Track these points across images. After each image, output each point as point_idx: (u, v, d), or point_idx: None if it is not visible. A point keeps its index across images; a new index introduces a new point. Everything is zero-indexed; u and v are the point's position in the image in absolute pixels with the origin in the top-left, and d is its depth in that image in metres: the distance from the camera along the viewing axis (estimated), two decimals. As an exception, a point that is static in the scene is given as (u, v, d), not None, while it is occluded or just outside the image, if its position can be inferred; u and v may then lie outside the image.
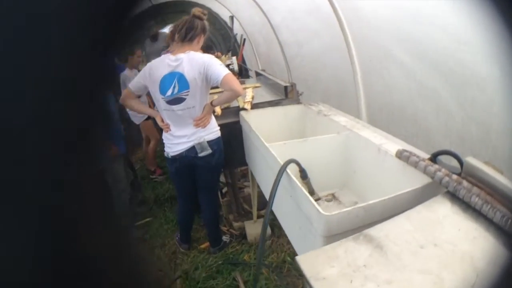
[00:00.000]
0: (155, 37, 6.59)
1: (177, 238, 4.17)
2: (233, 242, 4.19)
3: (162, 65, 3.18)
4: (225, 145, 3.62)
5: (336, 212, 1.79)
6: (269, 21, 5.28)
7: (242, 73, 6.08)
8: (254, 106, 3.88)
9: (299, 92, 4.10)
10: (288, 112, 3.84)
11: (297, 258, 1.52)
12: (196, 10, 3.20)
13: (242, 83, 5.03)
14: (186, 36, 3.18)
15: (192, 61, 3.12)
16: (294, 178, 2.20)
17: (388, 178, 2.42)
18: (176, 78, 3.14)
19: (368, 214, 1.86)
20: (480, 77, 2.38)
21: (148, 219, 4.75)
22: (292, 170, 2.38)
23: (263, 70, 5.17)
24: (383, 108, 3.54)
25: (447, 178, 1.84)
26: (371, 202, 1.87)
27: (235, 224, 4.39)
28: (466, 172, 1.83)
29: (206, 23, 3.27)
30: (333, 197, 2.94)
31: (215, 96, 3.40)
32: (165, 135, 3.43)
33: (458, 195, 1.74)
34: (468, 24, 2.20)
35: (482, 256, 1.43)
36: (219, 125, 3.56)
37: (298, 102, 3.98)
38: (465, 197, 1.70)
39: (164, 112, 3.29)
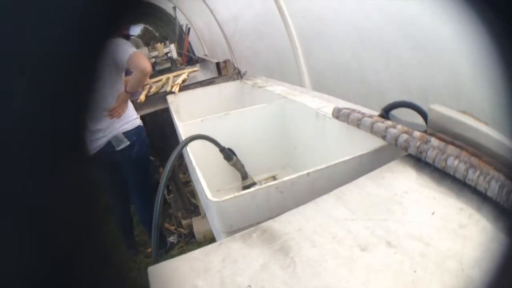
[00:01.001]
0: None
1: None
2: (181, 242, 3.55)
3: None
4: (157, 135, 3.26)
5: (231, 195, 1.10)
6: (204, 1, 4.67)
7: (191, 62, 5.46)
8: (184, 88, 3.32)
9: (241, 72, 3.50)
10: (222, 90, 3.22)
11: (149, 269, 0.84)
12: None
13: (182, 69, 4.41)
14: None
15: None
16: (192, 158, 1.52)
17: (333, 149, 1.78)
18: None
19: (286, 196, 1.17)
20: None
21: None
22: (212, 152, 1.90)
23: (205, 55, 4.57)
24: (326, 73, 2.97)
25: (405, 136, 1.16)
26: (287, 178, 1.19)
27: (184, 222, 3.76)
28: (433, 126, 1.16)
29: None
30: (274, 180, 2.23)
31: None
32: None
33: (425, 158, 1.06)
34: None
35: (476, 258, 0.75)
36: (146, 114, 3.22)
37: (234, 79, 3.35)
38: (438, 161, 1.02)
39: None
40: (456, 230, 0.85)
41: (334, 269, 0.78)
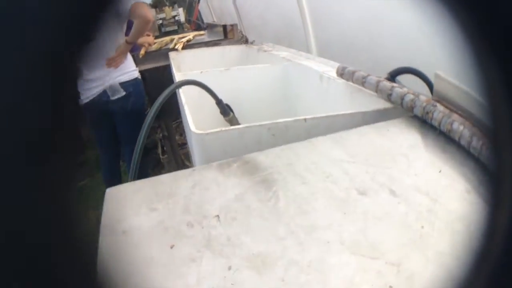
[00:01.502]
0: None
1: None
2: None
3: None
4: (157, 92, 2.88)
5: (217, 129, 0.93)
6: None
7: (199, 29, 5.24)
8: (188, 46, 3.14)
9: (249, 41, 3.28)
10: (226, 52, 3.04)
11: (107, 191, 0.69)
12: None
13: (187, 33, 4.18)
14: None
15: None
16: (183, 96, 1.37)
17: (336, 112, 1.57)
18: None
19: (278, 140, 1.01)
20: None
21: (85, 181, 3.86)
22: (208, 105, 1.73)
23: (214, 21, 4.42)
24: (334, 44, 2.82)
25: (411, 96, 1.01)
26: (281, 120, 1.02)
27: (176, 185, 3.54)
28: (438, 94, 1.00)
29: None
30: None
31: None
32: (78, 83, 2.69)
33: (430, 120, 0.92)
34: None
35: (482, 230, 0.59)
36: (147, 70, 3.03)
37: (240, 43, 3.14)
38: (443, 124, 0.86)
39: None
40: (463, 194, 0.70)
41: (325, 209, 0.62)
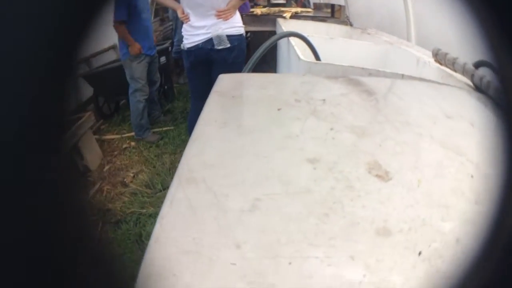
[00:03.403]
0: None
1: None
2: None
3: None
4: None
5: (323, 62, 1.01)
6: None
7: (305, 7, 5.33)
8: (295, 17, 3.21)
9: (351, 22, 3.29)
10: (331, 29, 3.10)
11: (220, 75, 0.78)
12: None
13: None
14: None
15: None
16: (294, 44, 1.45)
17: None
18: None
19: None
20: None
21: (168, 128, 4.06)
22: None
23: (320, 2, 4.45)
24: (432, 36, 2.73)
25: (487, 79, 1.07)
26: (381, 69, 1.09)
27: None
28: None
29: None
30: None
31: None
32: (184, 27, 2.92)
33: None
34: None
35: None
36: (251, 31, 3.16)
37: (345, 24, 3.17)
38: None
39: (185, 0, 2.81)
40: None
41: (417, 117, 0.69)
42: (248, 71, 1.30)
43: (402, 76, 1.13)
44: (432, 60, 1.62)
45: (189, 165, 0.47)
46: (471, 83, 1.16)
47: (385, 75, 1.10)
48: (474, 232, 0.40)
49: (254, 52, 2.95)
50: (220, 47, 2.79)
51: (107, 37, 5.03)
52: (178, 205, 0.40)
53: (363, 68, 1.08)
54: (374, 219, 0.40)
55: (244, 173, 0.46)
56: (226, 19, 2.75)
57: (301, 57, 1.06)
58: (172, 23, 5.43)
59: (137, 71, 3.66)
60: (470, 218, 0.43)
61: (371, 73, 1.09)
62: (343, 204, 0.41)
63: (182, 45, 2.95)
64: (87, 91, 4.19)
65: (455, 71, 1.32)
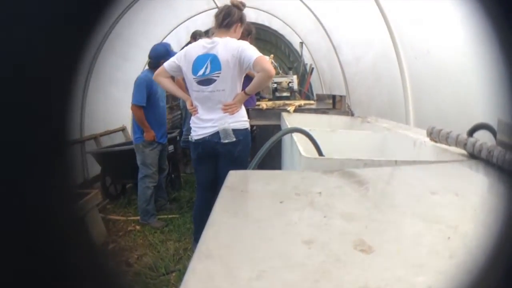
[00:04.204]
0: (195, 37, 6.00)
1: (193, 237, 3.53)
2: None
3: (197, 47, 2.97)
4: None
5: (323, 157, 1.15)
6: (331, 41, 4.99)
7: (308, 99, 5.57)
8: (298, 110, 3.42)
9: (354, 114, 3.49)
10: (333, 121, 3.27)
11: (230, 172, 0.90)
12: (234, 0, 3.04)
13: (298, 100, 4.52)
14: (222, 22, 2.98)
15: (227, 45, 2.89)
16: (297, 140, 1.59)
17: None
18: (209, 59, 2.89)
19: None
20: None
21: (174, 216, 4.21)
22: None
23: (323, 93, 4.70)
24: (430, 114, 3.06)
25: (479, 142, 1.23)
26: (375, 159, 1.22)
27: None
28: (500, 135, 1.16)
29: (244, 13, 3.08)
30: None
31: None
32: (192, 119, 3.09)
33: (492, 159, 1.07)
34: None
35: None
36: (260, 125, 3.33)
37: (346, 114, 3.36)
38: (498, 160, 1.02)
39: (194, 93, 2.99)
40: None
41: (402, 199, 0.82)
42: (254, 166, 1.43)
43: (396, 162, 1.24)
44: (427, 139, 1.76)
45: (207, 245, 0.58)
46: (465, 152, 1.28)
47: (379, 163, 1.22)
48: (447, 281, 0.51)
49: (260, 144, 3.10)
50: (226, 141, 2.91)
51: (117, 118, 5.27)
52: (199, 273, 0.51)
53: (358, 160, 1.20)
54: (357, 281, 0.50)
55: (252, 251, 0.58)
56: (232, 113, 2.91)
57: (302, 153, 1.19)
58: (182, 112, 5.65)
59: (149, 158, 3.84)
60: (443, 270, 0.54)
61: (366, 163, 1.21)
62: (331, 273, 0.52)
63: (190, 136, 3.08)
64: (95, 168, 4.35)
65: (449, 145, 1.45)
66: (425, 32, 2.95)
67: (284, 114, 3.23)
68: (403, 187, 0.88)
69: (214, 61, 2.86)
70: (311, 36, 6.36)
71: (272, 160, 3.24)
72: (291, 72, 5.68)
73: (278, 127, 3.27)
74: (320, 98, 4.50)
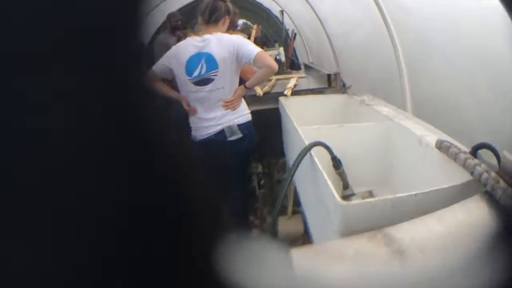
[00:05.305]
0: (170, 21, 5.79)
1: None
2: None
3: (188, 46, 2.97)
4: (263, 132, 3.32)
5: (357, 201, 1.31)
6: (316, 14, 5.00)
7: (293, 66, 5.73)
8: (295, 93, 3.52)
9: (347, 85, 3.65)
10: (330, 101, 3.41)
11: (292, 251, 1.06)
12: None
13: (288, 73, 4.74)
14: (210, 18, 2.97)
15: (221, 41, 2.91)
16: (318, 161, 1.74)
17: (428, 173, 1.92)
18: (204, 59, 2.91)
19: (396, 210, 1.37)
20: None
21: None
22: (322, 158, 1.97)
23: (312, 63, 4.77)
24: (427, 101, 3.14)
25: (486, 175, 1.34)
26: (400, 195, 1.39)
27: (269, 219, 3.90)
28: (502, 169, 1.34)
29: (229, 4, 3.08)
30: (370, 195, 2.40)
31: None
32: (191, 119, 3.12)
33: (495, 196, 1.23)
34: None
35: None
36: (257, 110, 3.32)
37: (342, 92, 3.53)
38: (501, 199, 1.20)
39: (191, 94, 3.01)
40: None
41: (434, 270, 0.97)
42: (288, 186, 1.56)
43: (415, 195, 1.41)
44: (431, 138, 1.93)
45: None
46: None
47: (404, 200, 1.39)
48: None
49: (259, 130, 3.19)
50: (232, 138, 3.01)
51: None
52: None
53: (389, 199, 1.36)
54: None
55: None
56: (233, 109, 3.01)
57: (337, 198, 1.34)
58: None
59: None
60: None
61: (393, 203, 1.38)
62: None
63: (192, 136, 3.13)
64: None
65: (457, 163, 1.60)
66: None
67: (281, 98, 3.34)
68: (431, 254, 1.05)
69: (209, 60, 2.89)
70: (292, 5, 6.35)
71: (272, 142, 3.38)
72: (277, 44, 5.73)
73: (275, 111, 3.38)
74: (309, 70, 4.61)
